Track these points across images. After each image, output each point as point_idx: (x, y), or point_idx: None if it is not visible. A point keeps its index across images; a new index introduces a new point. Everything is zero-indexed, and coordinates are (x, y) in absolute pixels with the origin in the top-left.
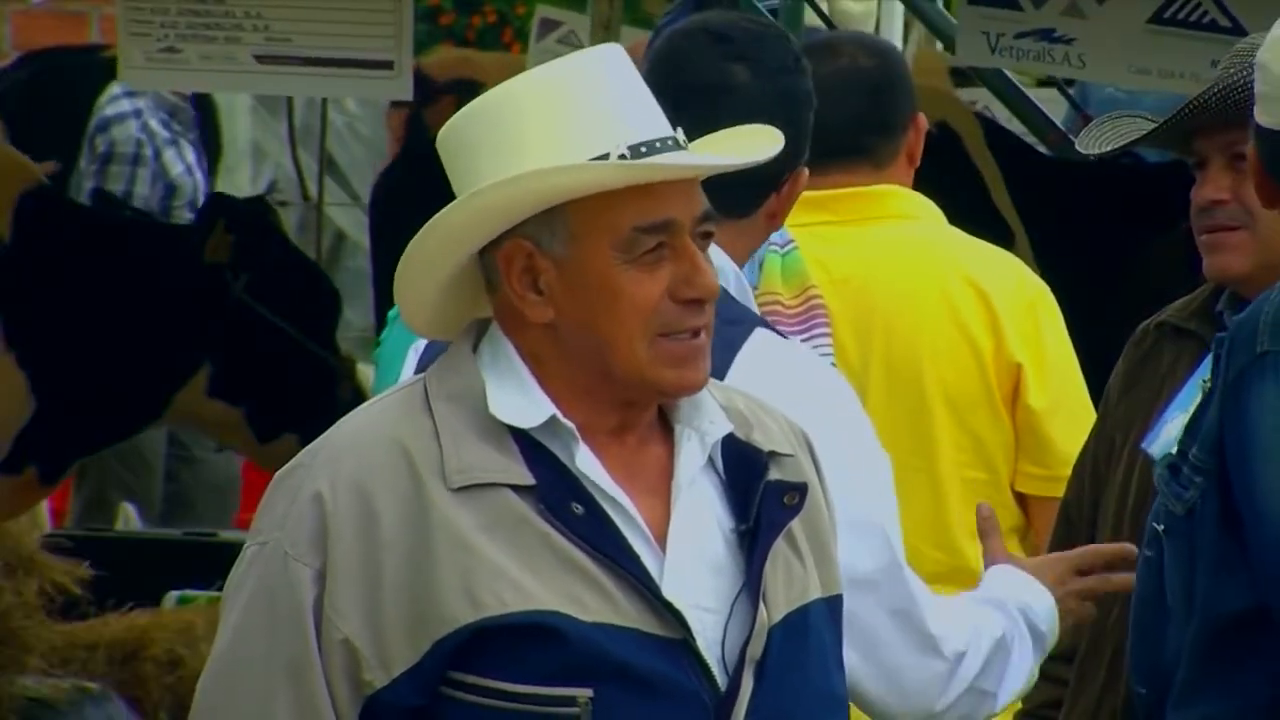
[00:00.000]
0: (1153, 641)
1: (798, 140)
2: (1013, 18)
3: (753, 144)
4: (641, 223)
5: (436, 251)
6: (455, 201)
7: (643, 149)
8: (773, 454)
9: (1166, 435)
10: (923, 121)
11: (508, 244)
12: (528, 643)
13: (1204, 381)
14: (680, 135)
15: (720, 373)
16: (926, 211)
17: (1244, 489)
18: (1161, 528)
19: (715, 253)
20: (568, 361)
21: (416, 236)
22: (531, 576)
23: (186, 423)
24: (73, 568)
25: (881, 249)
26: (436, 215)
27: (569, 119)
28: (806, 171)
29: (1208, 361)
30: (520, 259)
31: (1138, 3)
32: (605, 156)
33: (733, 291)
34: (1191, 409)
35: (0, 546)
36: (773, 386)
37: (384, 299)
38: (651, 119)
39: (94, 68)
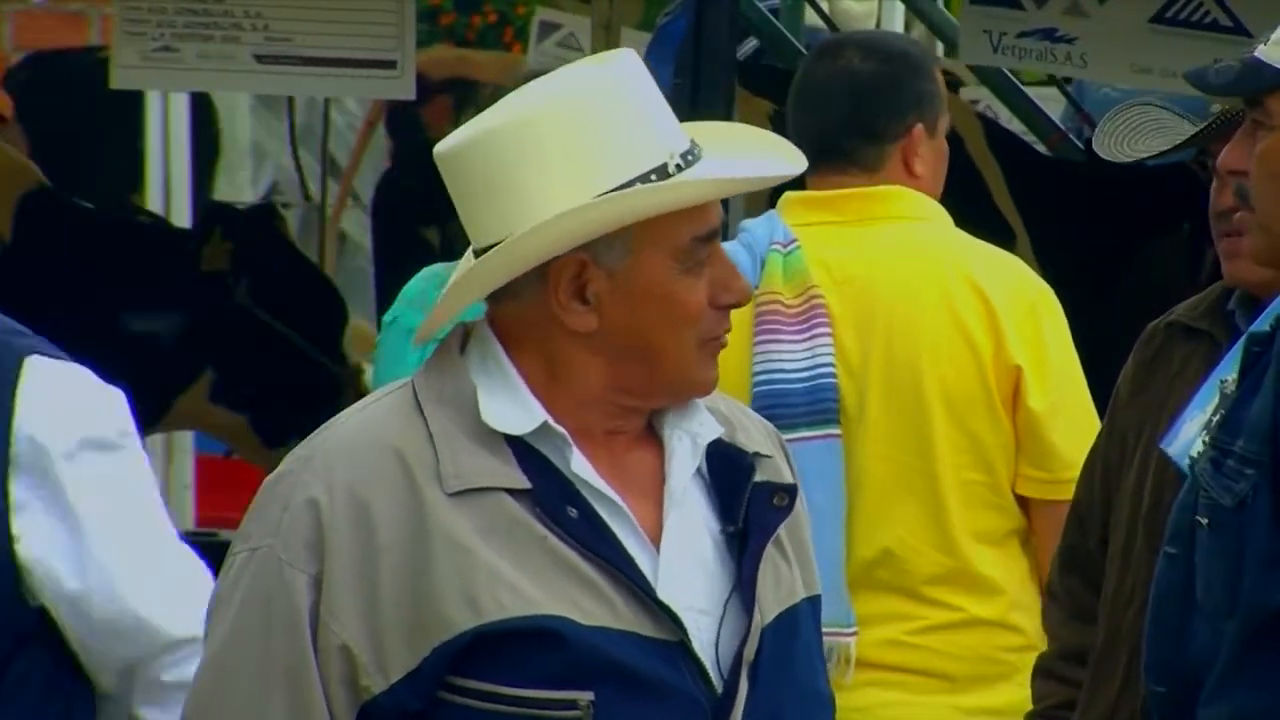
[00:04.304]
0: (1175, 638)
1: None
2: (1015, 17)
3: (758, 144)
4: (699, 232)
5: (498, 272)
6: (533, 227)
7: (689, 156)
8: (756, 455)
9: (1185, 434)
10: (919, 132)
11: (560, 257)
12: (528, 647)
13: (1223, 381)
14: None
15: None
16: (932, 212)
17: None
18: (1205, 521)
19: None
20: (587, 369)
21: (483, 258)
22: (530, 580)
23: (190, 427)
24: None
25: (885, 250)
26: (509, 240)
27: (622, 133)
28: None
29: (1227, 360)
30: (570, 270)
31: (1139, 2)
32: (664, 166)
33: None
34: (1210, 408)
35: None
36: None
37: (385, 300)
38: (676, 125)
39: (94, 68)
